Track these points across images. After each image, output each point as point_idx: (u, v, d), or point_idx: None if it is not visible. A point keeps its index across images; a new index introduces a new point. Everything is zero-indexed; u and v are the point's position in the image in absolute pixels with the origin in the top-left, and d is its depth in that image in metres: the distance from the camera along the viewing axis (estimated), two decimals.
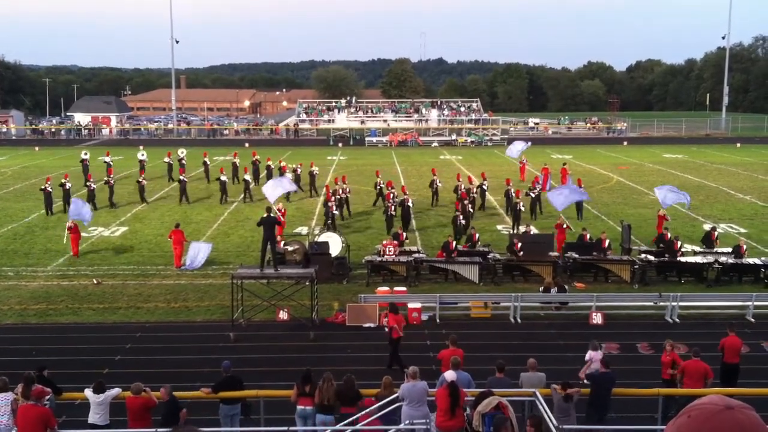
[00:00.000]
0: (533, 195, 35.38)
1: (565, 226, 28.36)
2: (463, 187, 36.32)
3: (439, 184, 37.92)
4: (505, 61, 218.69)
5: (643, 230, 31.32)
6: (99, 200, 38.29)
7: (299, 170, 43.34)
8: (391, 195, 33.27)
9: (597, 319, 21.15)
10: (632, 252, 26.55)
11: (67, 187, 36.35)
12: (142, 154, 50.25)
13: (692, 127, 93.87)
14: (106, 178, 39.77)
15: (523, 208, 32.69)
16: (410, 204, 33.13)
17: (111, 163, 44.48)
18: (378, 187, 37.93)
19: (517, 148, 47.45)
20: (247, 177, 41.39)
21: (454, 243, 25.62)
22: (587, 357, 14.83)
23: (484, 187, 37.74)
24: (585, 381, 14.05)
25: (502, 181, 39.83)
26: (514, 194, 34.38)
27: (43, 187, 36.19)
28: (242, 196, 40.34)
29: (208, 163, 47.75)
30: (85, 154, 49.05)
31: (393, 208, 32.54)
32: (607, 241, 25.87)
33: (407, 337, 19.99)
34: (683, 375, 14.57)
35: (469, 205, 33.10)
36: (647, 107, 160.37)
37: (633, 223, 28.90)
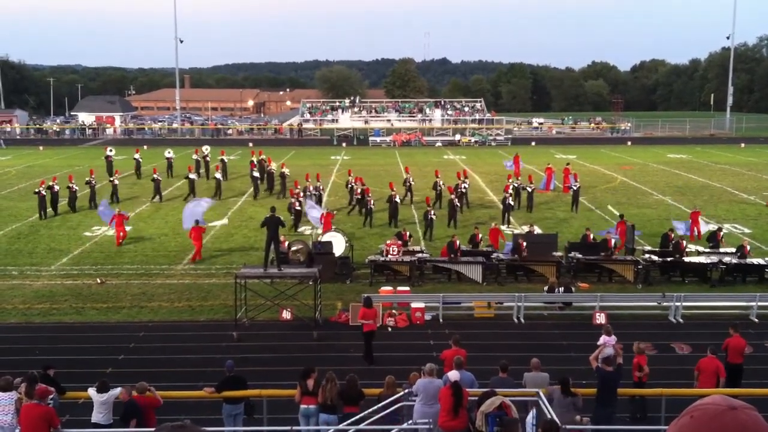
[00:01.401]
0: (529, 190, 37.07)
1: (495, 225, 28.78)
2: (442, 183, 37.59)
3: (443, 186, 37.87)
4: (509, 61, 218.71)
5: (647, 230, 31.27)
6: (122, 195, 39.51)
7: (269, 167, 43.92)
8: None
9: (600, 319, 21.11)
10: (636, 252, 26.52)
11: (56, 190, 35.79)
12: (169, 152, 50.71)
13: (696, 128, 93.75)
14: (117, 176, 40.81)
15: (512, 203, 34.58)
16: (398, 200, 34.01)
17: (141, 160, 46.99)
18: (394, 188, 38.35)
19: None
20: (217, 175, 41.79)
21: (458, 242, 25.63)
22: (600, 341, 14.77)
23: (463, 188, 37.37)
24: (594, 371, 14.11)
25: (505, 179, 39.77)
26: (503, 189, 35.77)
27: (37, 190, 35.49)
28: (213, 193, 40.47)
29: (226, 160, 47.83)
30: (110, 150, 49.88)
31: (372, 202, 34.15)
32: (613, 241, 25.83)
33: (411, 336, 20.05)
34: (699, 372, 14.75)
35: (456, 200, 33.84)
36: (651, 107, 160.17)
37: (637, 224, 28.88)
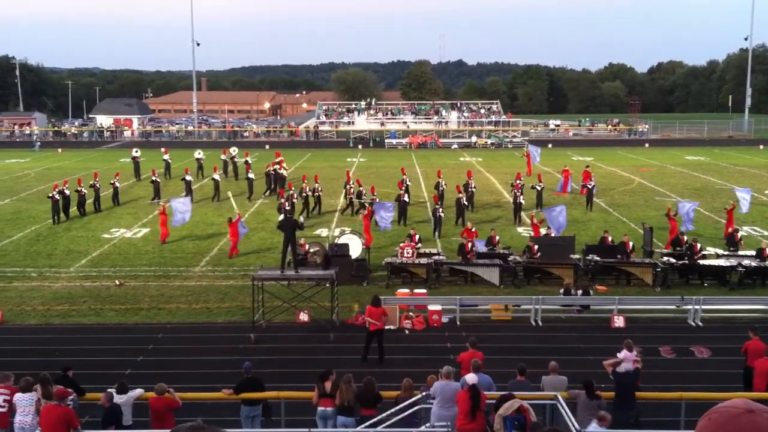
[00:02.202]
0: (538, 188, 37.61)
1: (473, 229, 28.19)
2: (444, 183, 38.05)
3: (444, 186, 37.99)
4: (526, 62, 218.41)
5: (665, 233, 31.07)
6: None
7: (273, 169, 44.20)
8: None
9: (619, 322, 21.02)
10: (654, 255, 26.38)
11: (67, 194, 35.69)
12: (199, 153, 51.39)
13: (714, 129, 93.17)
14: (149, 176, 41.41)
15: (523, 201, 35.11)
16: (407, 199, 34.90)
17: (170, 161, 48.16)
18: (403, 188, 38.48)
19: (536, 152, 50.60)
20: (251, 175, 42.31)
21: (470, 245, 25.62)
22: (621, 355, 14.62)
23: (473, 189, 37.96)
24: (610, 375, 14.02)
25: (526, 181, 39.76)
26: (513, 187, 36.33)
27: (50, 194, 35.33)
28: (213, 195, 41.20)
29: (250, 162, 48.11)
30: (136, 151, 51.02)
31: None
32: (631, 244, 25.68)
33: (428, 339, 20.03)
34: (746, 353, 15.22)
35: (464, 199, 34.48)
36: (668, 109, 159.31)
37: (655, 226, 28.72)
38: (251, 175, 42.25)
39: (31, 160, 62.93)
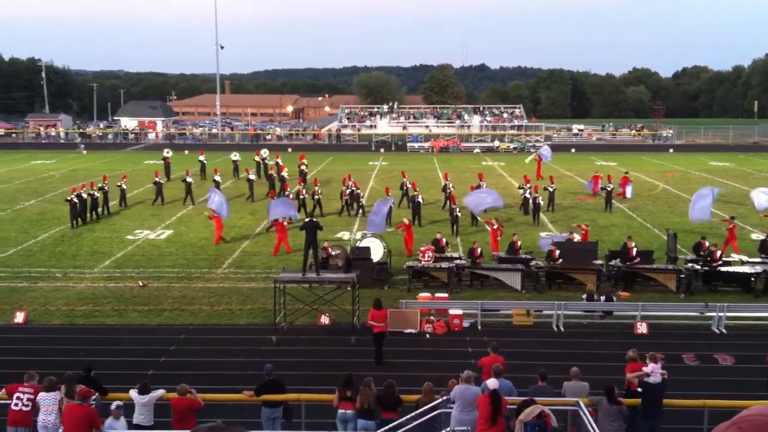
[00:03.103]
0: (550, 190, 38.56)
1: (496, 226, 28.88)
2: (452, 186, 38.63)
3: (452, 189, 38.39)
4: (549, 66, 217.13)
5: (689, 239, 30.78)
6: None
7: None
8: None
9: (642, 328, 20.87)
10: (678, 261, 26.14)
11: (84, 198, 35.65)
12: (235, 155, 52.50)
13: (740, 135, 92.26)
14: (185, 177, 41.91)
15: (541, 202, 36.01)
16: (420, 200, 35.48)
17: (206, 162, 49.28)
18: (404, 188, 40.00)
19: (547, 153, 51.51)
20: (284, 173, 43.51)
21: (479, 249, 25.72)
22: (648, 369, 14.35)
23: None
24: (637, 386, 13.89)
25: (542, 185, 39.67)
26: (532, 189, 36.95)
27: (68, 198, 35.17)
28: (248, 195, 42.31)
29: (281, 163, 49.05)
30: (167, 152, 51.97)
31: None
32: (634, 250, 25.37)
33: (449, 343, 19.98)
34: None
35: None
36: (693, 114, 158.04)
37: (679, 232, 28.49)
38: (284, 174, 44.10)
39: (56, 162, 63.55)
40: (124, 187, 40.27)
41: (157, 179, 41.40)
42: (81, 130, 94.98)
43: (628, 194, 43.75)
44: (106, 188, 38.68)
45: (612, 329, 21.35)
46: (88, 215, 35.95)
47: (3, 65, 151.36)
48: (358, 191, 38.07)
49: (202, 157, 51.43)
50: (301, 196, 37.12)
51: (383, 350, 18.64)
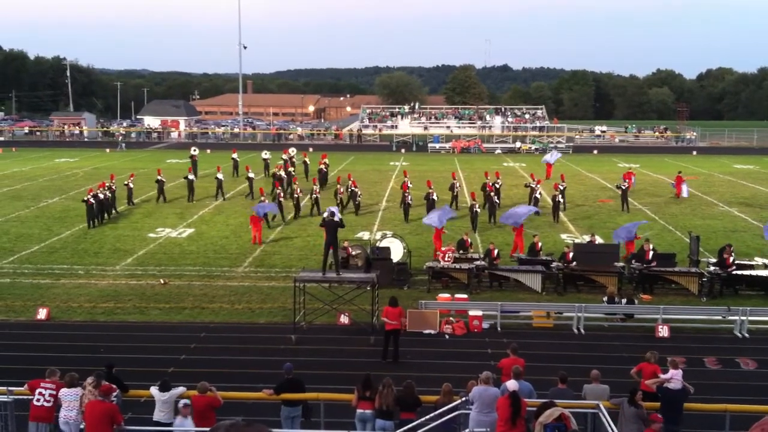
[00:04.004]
0: (561, 188, 38.97)
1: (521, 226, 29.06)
2: (458, 185, 39.96)
3: (458, 188, 39.42)
4: (571, 67, 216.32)
5: (711, 242, 30.53)
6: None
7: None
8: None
9: (663, 332, 20.72)
10: (700, 264, 25.91)
11: (101, 198, 35.24)
12: (266, 153, 53.07)
13: (765, 138, 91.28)
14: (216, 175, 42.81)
15: (561, 200, 37.02)
16: (434, 198, 36.30)
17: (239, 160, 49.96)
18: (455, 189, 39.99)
19: (553, 156, 53.14)
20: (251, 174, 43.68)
21: (496, 251, 25.70)
22: (668, 375, 14.18)
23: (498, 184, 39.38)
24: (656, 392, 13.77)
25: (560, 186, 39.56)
26: (552, 187, 38.26)
27: (85, 198, 34.79)
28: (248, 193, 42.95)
29: (308, 162, 50.34)
30: (194, 150, 52.92)
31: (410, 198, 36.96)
32: (651, 253, 25.13)
33: (468, 344, 19.94)
34: None
35: (495, 196, 36.67)
36: (717, 116, 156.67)
37: (702, 235, 28.22)
38: (281, 172, 44.14)
39: (80, 160, 64.07)
40: (131, 185, 40.42)
41: (188, 176, 42.06)
42: (104, 129, 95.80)
43: (684, 194, 43.61)
44: (113, 187, 38.76)
45: (633, 332, 21.22)
46: (105, 215, 36.14)
47: (29, 64, 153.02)
48: (356, 190, 38.70)
49: (234, 155, 52.07)
50: (296, 195, 37.28)
51: (400, 350, 18.66)
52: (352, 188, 38.73)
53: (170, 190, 42.97)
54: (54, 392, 12.87)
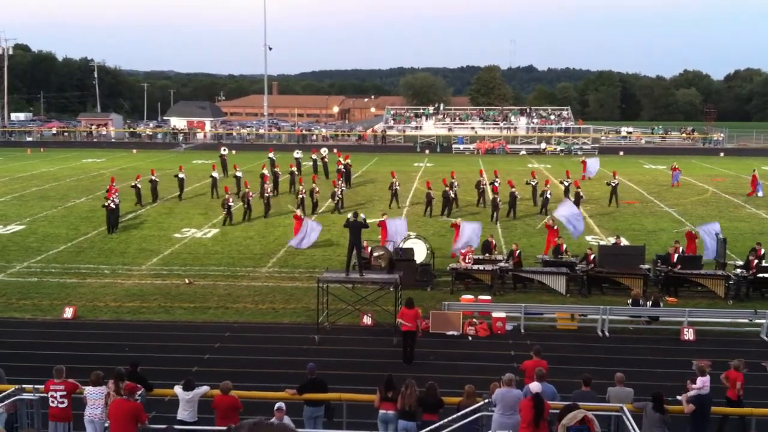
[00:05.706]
0: (566, 184, 41.42)
1: (556, 227, 28.89)
2: (457, 185, 39.84)
3: (457, 188, 39.65)
4: (597, 68, 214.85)
5: (739, 245, 30.20)
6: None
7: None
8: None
9: (689, 335, 20.52)
10: (727, 267, 25.64)
11: (117, 202, 34.17)
12: (298, 153, 53.37)
13: None
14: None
15: (583, 195, 38.28)
16: (433, 196, 37.50)
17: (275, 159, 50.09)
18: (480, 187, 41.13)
19: (594, 168, 52.34)
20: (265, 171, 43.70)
21: (494, 242, 26.40)
22: (698, 384, 13.97)
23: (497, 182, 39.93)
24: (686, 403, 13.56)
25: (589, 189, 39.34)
26: (573, 185, 40.02)
27: (105, 203, 33.85)
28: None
29: (327, 161, 50.61)
30: (224, 149, 54.46)
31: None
32: (676, 255, 24.92)
33: (491, 346, 19.89)
34: None
35: (499, 198, 36.85)
36: (745, 118, 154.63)
37: (729, 237, 27.94)
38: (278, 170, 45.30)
39: (106, 160, 64.67)
40: (140, 186, 40.44)
41: (213, 173, 43.12)
42: (131, 129, 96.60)
43: (760, 193, 43.29)
44: (138, 185, 39.82)
45: (658, 335, 21.05)
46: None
47: (57, 65, 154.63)
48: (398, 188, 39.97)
49: (271, 155, 52.41)
50: (300, 195, 37.14)
51: (420, 351, 18.67)
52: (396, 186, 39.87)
53: (194, 191, 43.23)
54: (64, 393, 12.96)
